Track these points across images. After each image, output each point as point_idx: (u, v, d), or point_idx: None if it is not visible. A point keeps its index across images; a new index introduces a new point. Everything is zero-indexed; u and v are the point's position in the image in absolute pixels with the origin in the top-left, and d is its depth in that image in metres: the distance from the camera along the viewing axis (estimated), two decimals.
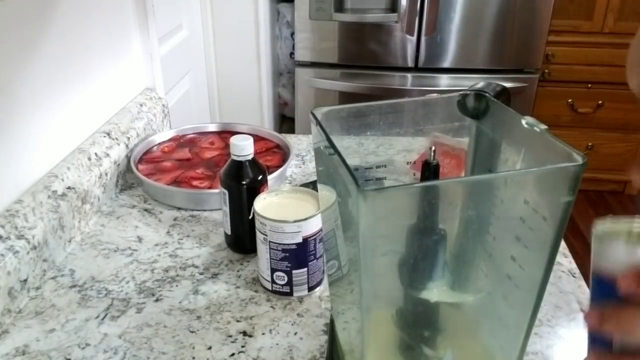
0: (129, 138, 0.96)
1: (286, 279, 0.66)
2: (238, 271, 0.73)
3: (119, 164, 0.91)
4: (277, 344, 0.61)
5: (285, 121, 2.31)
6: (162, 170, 0.93)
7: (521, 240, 0.43)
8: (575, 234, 2.39)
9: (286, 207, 0.65)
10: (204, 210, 0.86)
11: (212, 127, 1.07)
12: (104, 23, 0.94)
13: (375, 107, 0.51)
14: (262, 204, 0.66)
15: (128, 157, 0.94)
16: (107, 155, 0.88)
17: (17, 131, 0.72)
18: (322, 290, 0.69)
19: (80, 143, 0.87)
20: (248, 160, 0.71)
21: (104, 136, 0.90)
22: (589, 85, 2.31)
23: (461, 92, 0.52)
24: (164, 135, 1.03)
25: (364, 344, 0.46)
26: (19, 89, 0.72)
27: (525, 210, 0.42)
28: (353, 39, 1.94)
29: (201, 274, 0.72)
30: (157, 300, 0.67)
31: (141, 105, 1.06)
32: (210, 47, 1.86)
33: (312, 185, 0.91)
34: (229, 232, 0.75)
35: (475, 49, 1.91)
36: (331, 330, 0.62)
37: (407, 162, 0.52)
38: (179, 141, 1.03)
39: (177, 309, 0.66)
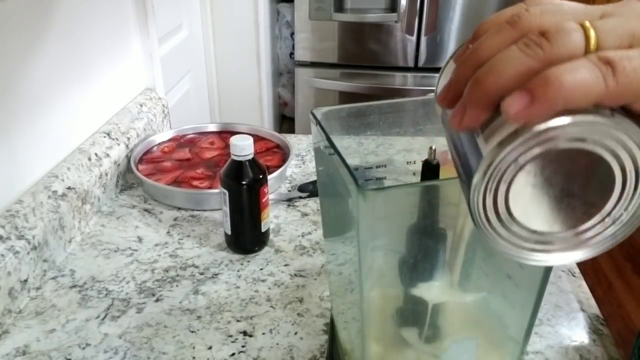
0: (129, 138, 0.96)
1: None
2: (238, 271, 0.73)
3: (119, 164, 0.91)
4: (277, 344, 0.61)
5: (285, 121, 2.31)
6: (162, 170, 0.93)
7: None
8: None
9: None
10: (204, 210, 0.87)
11: (212, 127, 1.08)
12: (104, 23, 0.94)
13: (375, 107, 0.51)
14: None
15: (128, 158, 0.94)
16: (107, 155, 0.88)
17: (18, 131, 0.72)
18: (322, 290, 0.69)
19: (81, 143, 0.87)
20: (248, 160, 0.71)
21: (104, 136, 0.91)
22: None
23: None
24: (164, 135, 1.03)
25: (364, 344, 0.46)
26: (19, 90, 0.72)
27: None
28: (353, 38, 1.94)
29: (201, 274, 0.72)
30: (157, 300, 0.67)
31: (141, 105, 1.06)
32: (210, 47, 1.86)
33: (312, 185, 0.92)
34: (229, 232, 0.75)
35: None
36: (331, 330, 0.62)
37: (407, 162, 0.52)
38: (179, 141, 1.03)
39: (178, 309, 0.66)
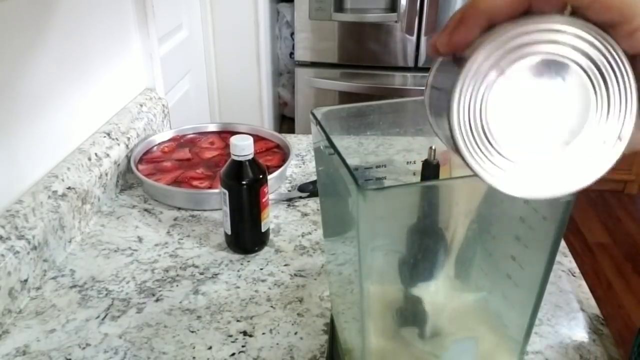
0: (129, 138, 0.96)
1: None
2: (238, 271, 0.73)
3: (119, 164, 0.91)
4: (277, 344, 0.61)
5: (285, 121, 2.31)
6: (162, 170, 0.93)
7: (521, 240, 0.43)
8: (575, 234, 2.39)
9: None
10: (204, 210, 0.87)
11: (212, 127, 1.08)
12: (103, 23, 0.94)
13: (375, 107, 0.51)
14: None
15: (128, 157, 0.94)
16: (107, 155, 0.88)
17: (18, 131, 0.72)
18: (322, 290, 0.69)
19: (81, 143, 0.87)
20: (248, 160, 0.71)
21: (104, 136, 0.91)
22: None
23: None
24: (164, 135, 1.03)
25: (364, 343, 0.46)
26: (19, 90, 0.72)
27: (525, 209, 0.42)
28: (353, 38, 1.94)
29: (201, 274, 0.72)
30: (157, 300, 0.67)
31: (141, 105, 1.06)
32: (210, 47, 1.86)
33: (312, 185, 0.92)
34: (229, 232, 0.75)
35: None
36: (331, 330, 0.62)
37: (407, 162, 0.52)
38: (179, 141, 1.03)
39: (178, 309, 0.66)
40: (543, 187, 0.29)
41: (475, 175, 0.29)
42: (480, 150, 0.29)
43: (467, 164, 0.29)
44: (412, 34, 1.88)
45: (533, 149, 0.28)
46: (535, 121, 0.28)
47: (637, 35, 0.27)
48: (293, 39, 2.02)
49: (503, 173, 0.29)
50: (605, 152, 0.29)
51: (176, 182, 0.89)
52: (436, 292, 0.47)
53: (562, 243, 0.74)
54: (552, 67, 0.27)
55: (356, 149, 0.53)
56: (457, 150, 0.29)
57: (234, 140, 0.71)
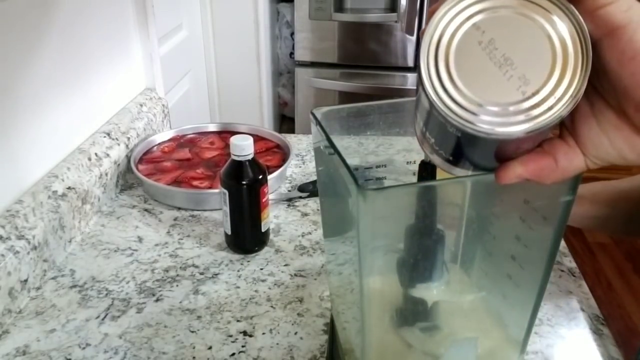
0: (129, 138, 0.96)
1: None
2: (238, 271, 0.73)
3: (119, 164, 0.91)
4: (277, 344, 0.61)
5: (285, 121, 2.31)
6: (162, 170, 0.93)
7: (521, 240, 0.43)
8: (575, 234, 2.39)
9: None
10: (204, 210, 0.87)
11: (212, 127, 1.08)
12: (104, 24, 0.94)
13: (375, 107, 0.51)
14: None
15: (128, 157, 0.94)
16: (107, 155, 0.88)
17: (18, 131, 0.72)
18: (322, 290, 0.69)
19: (81, 143, 0.87)
20: (248, 160, 0.71)
21: (104, 136, 0.91)
22: None
23: None
24: (164, 135, 1.03)
25: (364, 343, 0.46)
26: (19, 90, 0.72)
27: (525, 209, 0.42)
28: (353, 38, 1.94)
29: (201, 274, 0.72)
30: (157, 300, 0.67)
31: (141, 105, 1.06)
32: (210, 47, 1.86)
33: (312, 185, 0.92)
34: (229, 232, 0.75)
35: None
36: (331, 330, 0.62)
37: (407, 162, 0.52)
38: (179, 141, 1.03)
39: (178, 309, 0.66)
40: (492, 125, 0.30)
41: (435, 110, 0.31)
42: (442, 86, 0.31)
43: (429, 99, 0.31)
44: (412, 34, 1.88)
45: (490, 92, 0.30)
46: (495, 67, 0.30)
47: (599, 14, 0.29)
48: (293, 39, 2.02)
49: (459, 108, 0.31)
50: (551, 110, 0.30)
51: (176, 182, 0.89)
52: (436, 292, 0.47)
53: (562, 243, 0.74)
54: (517, 23, 0.30)
55: (356, 149, 0.53)
56: (424, 91, 0.31)
57: (234, 140, 0.71)
